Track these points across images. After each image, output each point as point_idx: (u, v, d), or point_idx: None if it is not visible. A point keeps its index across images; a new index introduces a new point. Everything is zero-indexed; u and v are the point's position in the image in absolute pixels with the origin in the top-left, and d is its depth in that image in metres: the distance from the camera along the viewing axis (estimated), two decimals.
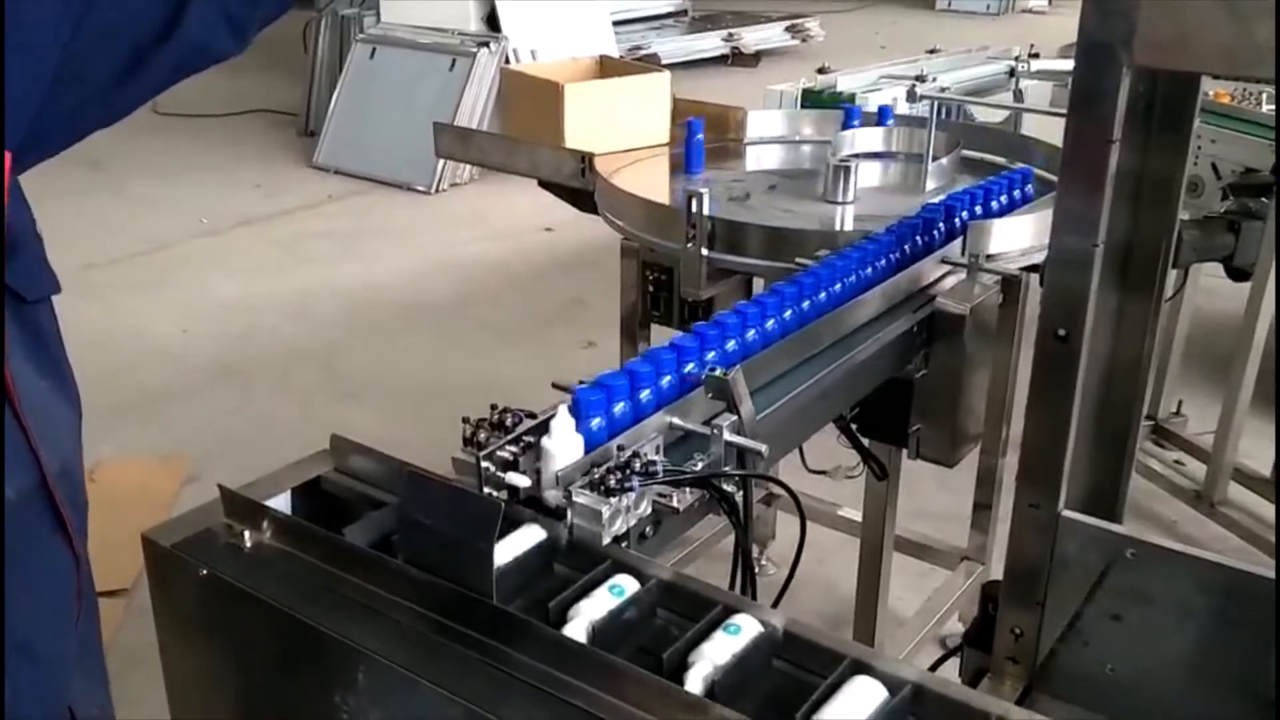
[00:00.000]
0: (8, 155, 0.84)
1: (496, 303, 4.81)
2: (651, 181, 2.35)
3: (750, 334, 1.40)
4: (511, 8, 6.74)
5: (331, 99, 7.04)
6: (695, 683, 0.95)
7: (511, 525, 1.12)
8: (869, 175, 2.26)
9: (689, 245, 1.92)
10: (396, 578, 1.09)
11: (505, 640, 1.02)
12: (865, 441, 1.91)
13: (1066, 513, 1.53)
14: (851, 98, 3.40)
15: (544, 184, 2.44)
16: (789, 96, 3.57)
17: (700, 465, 1.24)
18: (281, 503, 1.29)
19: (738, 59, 9.73)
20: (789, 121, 2.66)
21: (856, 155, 2.57)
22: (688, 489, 1.20)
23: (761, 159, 2.64)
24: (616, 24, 8.14)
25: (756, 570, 3.05)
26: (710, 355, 1.33)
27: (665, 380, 1.27)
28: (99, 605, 1.14)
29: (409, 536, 1.10)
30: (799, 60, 9.50)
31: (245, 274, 5.20)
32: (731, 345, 1.37)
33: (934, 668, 1.88)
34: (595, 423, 1.17)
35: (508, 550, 1.10)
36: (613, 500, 1.11)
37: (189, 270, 5.27)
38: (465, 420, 1.19)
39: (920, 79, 3.47)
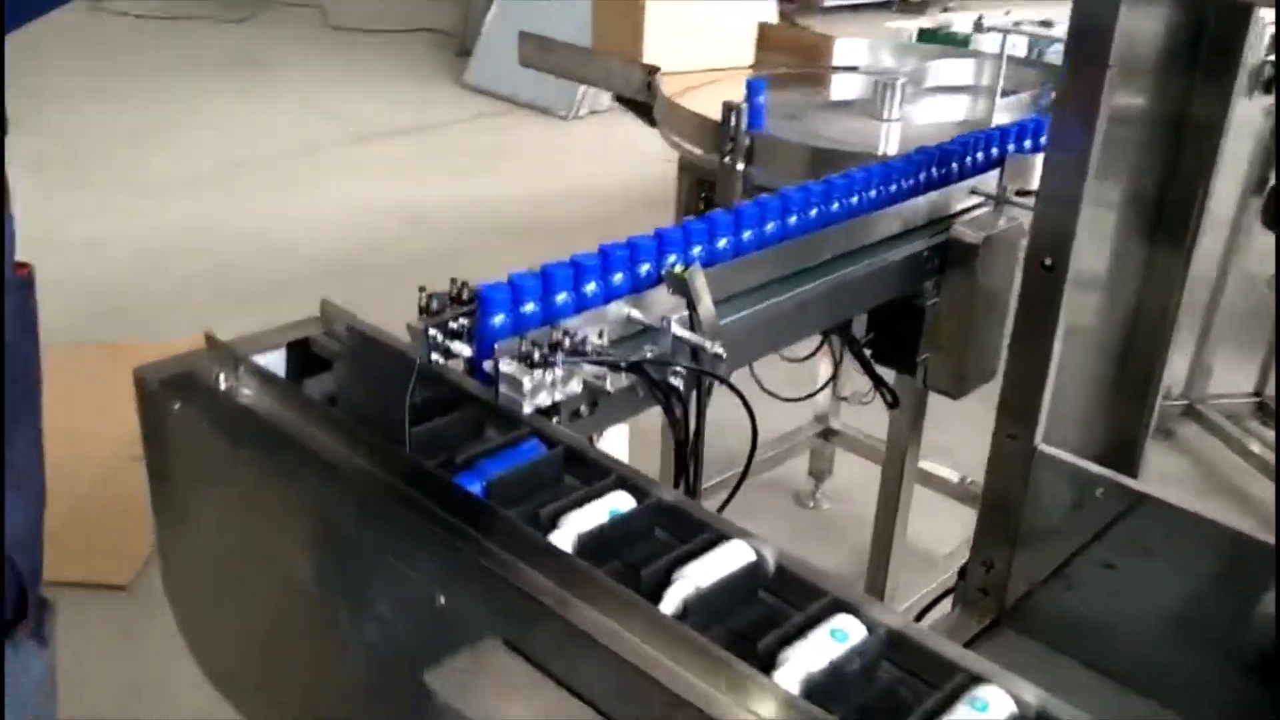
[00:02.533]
0: None
1: (610, 226, 4.89)
2: (716, 100, 2.36)
3: (722, 242, 1.43)
4: None
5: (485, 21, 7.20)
6: (671, 604, 0.94)
7: (435, 385, 1.19)
8: (941, 107, 2.23)
9: (726, 160, 1.94)
10: (334, 426, 1.18)
11: (420, 491, 1.10)
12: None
13: (1043, 446, 1.52)
14: (966, 40, 3.31)
15: (619, 99, 2.48)
16: (905, 34, 3.51)
17: (648, 356, 1.28)
18: (276, 359, 1.40)
19: (904, 4, 9.45)
20: (873, 51, 2.62)
21: (938, 88, 2.54)
22: (623, 374, 1.25)
23: (844, 88, 2.62)
24: None
25: (811, 505, 3.10)
26: (671, 258, 1.37)
27: (617, 277, 1.32)
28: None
29: (348, 388, 1.19)
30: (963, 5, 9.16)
31: (382, 181, 5.43)
32: (698, 250, 1.40)
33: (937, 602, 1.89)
34: (529, 307, 1.23)
35: (445, 415, 1.17)
36: (535, 373, 1.17)
37: (332, 174, 5.53)
38: (421, 289, 1.27)
39: (1046, 23, 3.35)
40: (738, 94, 2.49)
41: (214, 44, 7.98)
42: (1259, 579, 1.43)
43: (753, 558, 0.99)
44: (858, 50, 2.64)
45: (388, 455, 1.12)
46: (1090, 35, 1.32)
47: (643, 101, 2.33)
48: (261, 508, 1.22)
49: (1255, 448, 3.40)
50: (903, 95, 2.30)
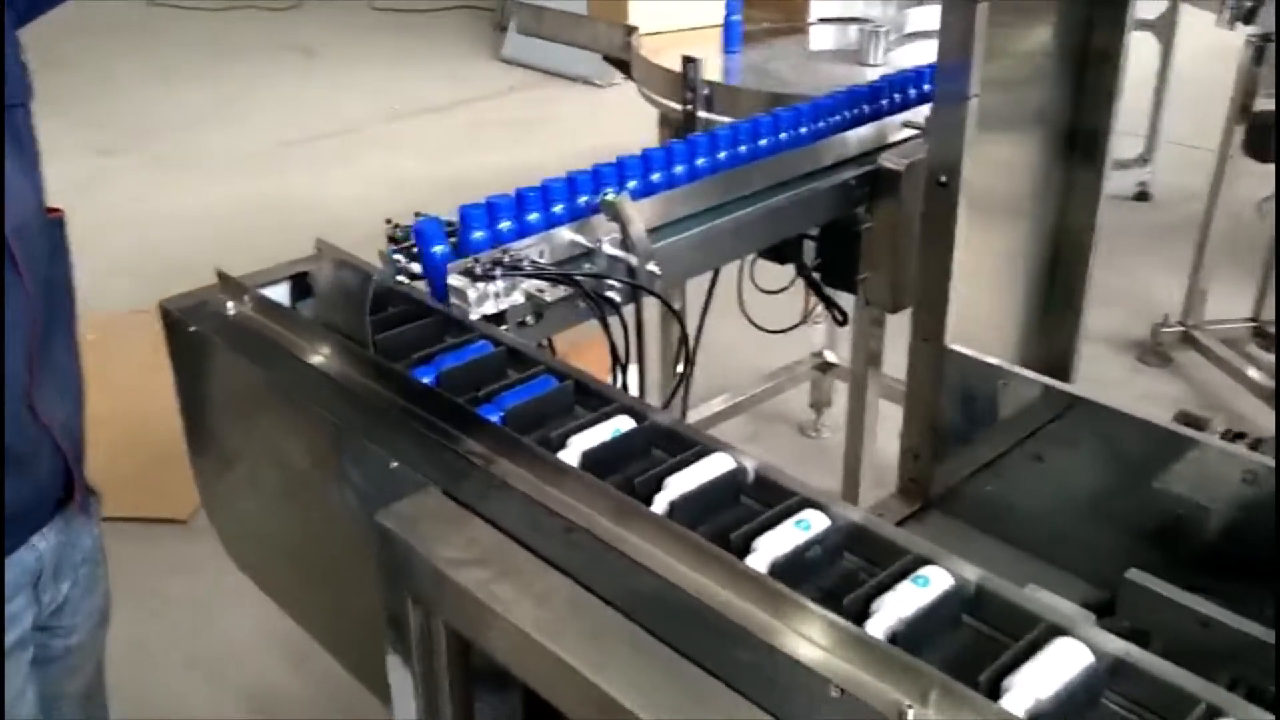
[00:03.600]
0: None
1: None
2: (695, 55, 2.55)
3: (655, 175, 1.64)
4: None
5: None
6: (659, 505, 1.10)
7: (400, 300, 1.43)
8: (924, 51, 2.39)
9: (688, 108, 2.14)
10: (316, 334, 1.42)
11: (380, 383, 1.34)
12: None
13: (952, 345, 1.71)
14: None
15: (609, 59, 2.69)
16: None
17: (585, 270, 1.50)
18: (281, 291, 1.64)
19: None
20: (849, 3, 2.80)
21: (918, 34, 2.70)
22: (560, 286, 1.48)
23: (821, 39, 2.79)
24: None
25: (813, 434, 3.29)
26: (608, 190, 1.58)
27: (558, 207, 1.54)
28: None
29: (325, 305, 1.43)
30: None
31: (423, 155, 5.69)
32: (633, 184, 1.61)
33: None
34: (478, 234, 1.46)
35: (402, 325, 1.41)
36: (479, 285, 1.40)
37: (374, 149, 5.81)
38: (388, 221, 1.50)
39: None
40: (706, 49, 2.70)
41: (264, 31, 8.30)
42: (1159, 459, 1.59)
43: (733, 466, 1.14)
44: (834, 4, 2.81)
45: (354, 356, 1.35)
46: None
47: (627, 60, 2.54)
48: (260, 405, 1.47)
49: (1253, 373, 3.50)
50: (886, 42, 2.48)
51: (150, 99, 6.60)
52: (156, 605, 2.78)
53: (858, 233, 1.93)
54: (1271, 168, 3.30)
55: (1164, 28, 4.66)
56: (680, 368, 1.90)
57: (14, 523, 1.31)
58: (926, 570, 1.01)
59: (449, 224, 1.50)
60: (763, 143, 1.77)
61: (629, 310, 1.56)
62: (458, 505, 1.17)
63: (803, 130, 1.83)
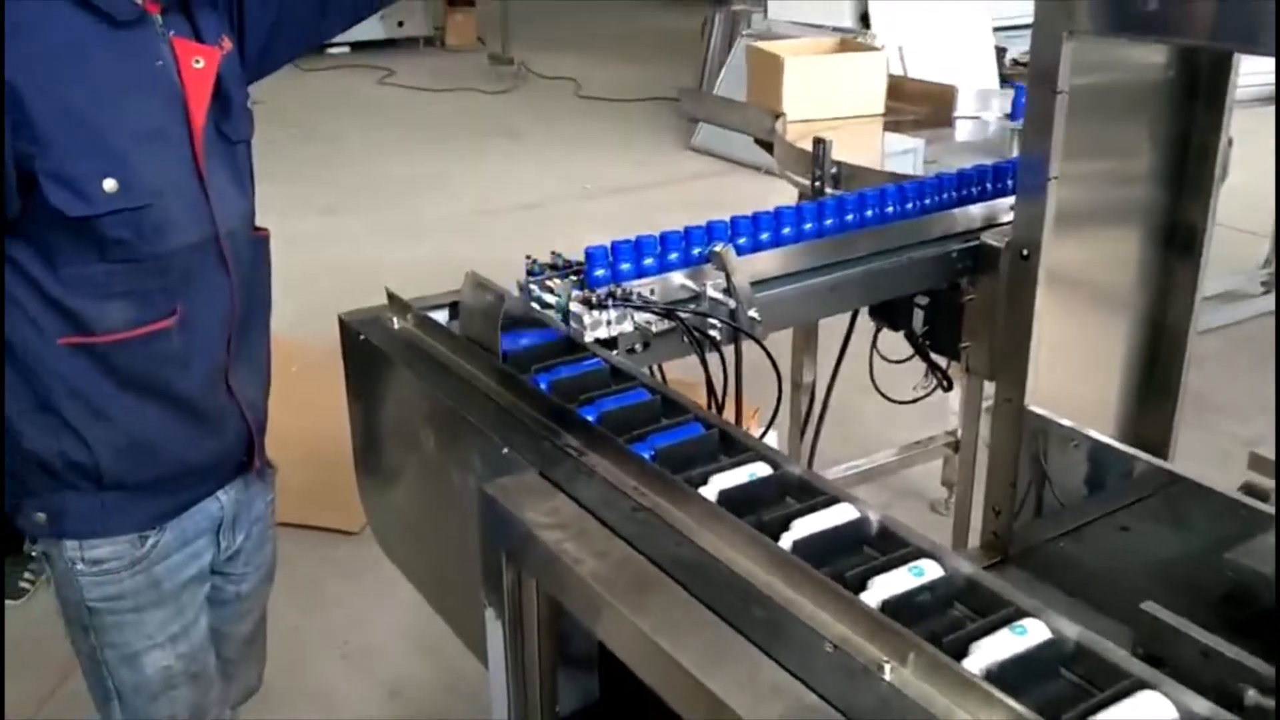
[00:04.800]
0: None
1: None
2: (840, 142, 2.77)
3: (764, 235, 1.86)
4: (883, 6, 7.13)
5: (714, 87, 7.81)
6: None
7: (528, 322, 1.69)
8: None
9: (816, 184, 2.36)
10: (458, 343, 1.69)
11: (504, 386, 1.60)
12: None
13: (1031, 406, 1.84)
14: None
15: (758, 141, 2.94)
16: None
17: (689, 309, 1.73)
18: (440, 315, 1.94)
19: None
20: (984, 98, 2.96)
21: None
22: (666, 320, 1.71)
23: (968, 131, 2.97)
24: (1002, 29, 8.19)
25: (945, 512, 3.37)
26: (717, 243, 1.80)
27: (673, 255, 1.77)
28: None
29: (468, 321, 1.70)
30: None
31: (604, 229, 6.04)
32: (743, 240, 1.84)
33: None
34: (600, 271, 1.71)
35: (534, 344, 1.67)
36: (595, 312, 1.65)
37: (560, 222, 6.23)
38: (527, 257, 1.77)
39: None
40: (854, 138, 2.91)
41: (479, 112, 9.00)
42: (1238, 534, 1.67)
43: (856, 516, 1.26)
44: (973, 99, 2.99)
45: (486, 363, 1.62)
46: (1043, 68, 1.67)
47: (770, 141, 2.78)
48: (409, 403, 1.74)
49: None
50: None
51: (374, 168, 7.29)
52: (318, 604, 3.11)
53: (962, 304, 2.09)
54: None
55: None
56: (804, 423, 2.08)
57: (206, 474, 1.62)
58: (1025, 621, 1.08)
59: (579, 263, 1.77)
60: (870, 213, 1.97)
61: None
62: (549, 483, 1.40)
63: (909, 205, 2.01)
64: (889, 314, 2.23)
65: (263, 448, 1.72)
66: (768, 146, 2.88)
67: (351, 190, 6.77)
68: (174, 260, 1.45)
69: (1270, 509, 1.55)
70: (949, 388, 2.29)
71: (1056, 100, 1.68)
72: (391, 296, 1.88)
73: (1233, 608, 1.63)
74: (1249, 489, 1.66)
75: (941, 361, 2.32)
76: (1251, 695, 1.23)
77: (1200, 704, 0.97)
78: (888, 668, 1.05)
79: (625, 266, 1.74)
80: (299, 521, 3.28)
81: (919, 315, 2.18)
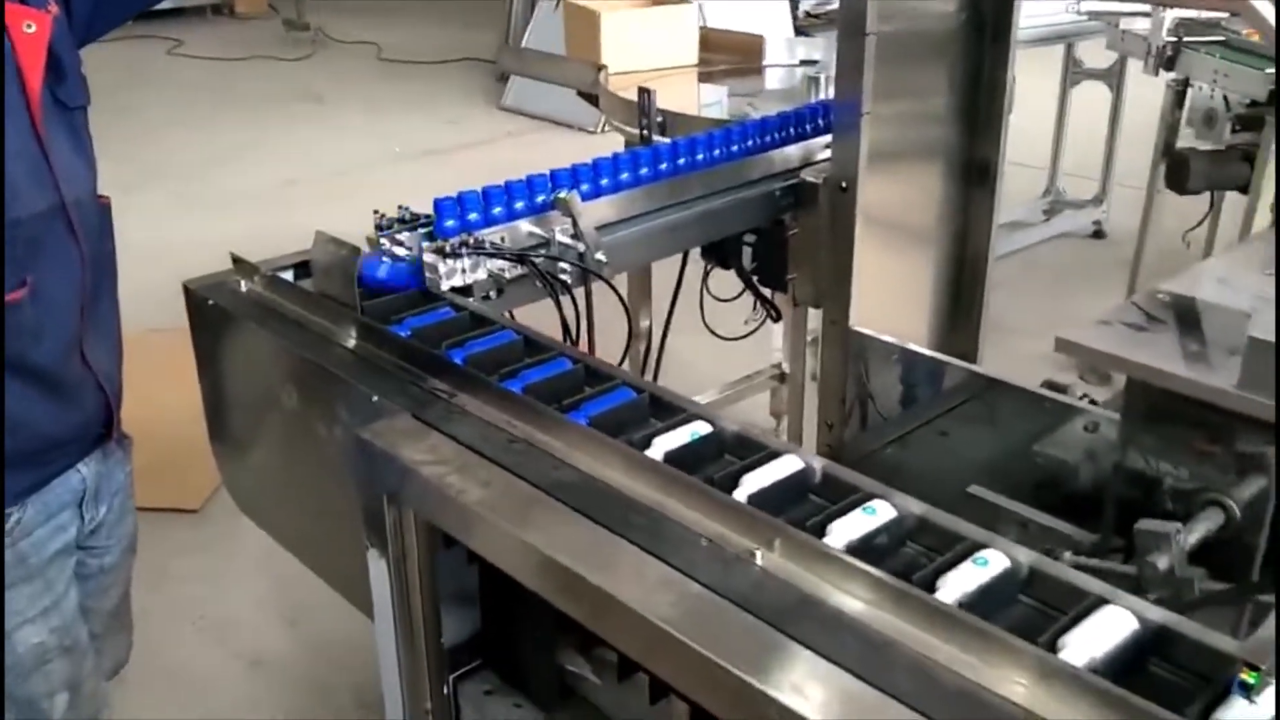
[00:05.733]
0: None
1: None
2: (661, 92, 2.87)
3: (604, 181, 1.94)
4: None
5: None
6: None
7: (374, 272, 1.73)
8: None
9: (643, 133, 2.46)
10: (313, 301, 1.72)
11: (365, 337, 1.64)
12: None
13: (855, 326, 2.00)
14: None
15: (581, 95, 3.02)
16: None
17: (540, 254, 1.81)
18: (286, 275, 1.94)
19: None
20: (790, 47, 3.13)
21: None
22: (518, 266, 1.78)
23: (777, 79, 3.13)
24: None
25: None
26: (562, 190, 1.88)
27: (519, 204, 1.84)
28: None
29: (320, 275, 1.73)
30: None
31: (419, 193, 6.00)
32: (585, 187, 1.92)
33: None
34: (449, 222, 1.76)
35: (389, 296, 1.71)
36: (448, 262, 1.70)
37: (373, 189, 6.14)
38: (375, 211, 1.81)
39: None
40: (672, 88, 3.02)
41: (279, 79, 8.71)
42: (1045, 428, 1.86)
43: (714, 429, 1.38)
44: (782, 48, 3.15)
45: (344, 316, 1.65)
46: (851, 11, 1.82)
47: (592, 93, 2.86)
48: (264, 362, 1.76)
49: None
50: (825, 82, 2.80)
51: (170, 140, 6.98)
52: (165, 582, 3.05)
53: (786, 239, 2.24)
54: (1191, 200, 3.63)
55: (1113, 78, 5.01)
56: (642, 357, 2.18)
57: (65, 446, 1.60)
58: (985, 553, 1.14)
59: (427, 217, 1.82)
60: (700, 157, 2.08)
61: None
62: (424, 424, 1.46)
63: (734, 148, 2.14)
64: (720, 253, 2.36)
65: (119, 419, 1.71)
66: (591, 100, 2.96)
67: (152, 166, 6.48)
68: (20, 230, 1.43)
69: (1073, 400, 1.75)
70: (778, 318, 2.44)
71: (866, 41, 1.82)
72: (237, 260, 1.88)
73: (1044, 492, 1.83)
74: (1050, 385, 1.86)
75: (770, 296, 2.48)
76: (1067, 556, 1.41)
77: (1025, 554, 1.13)
78: (758, 554, 1.17)
79: (473, 216, 1.80)
80: (137, 504, 3.20)
81: (747, 252, 2.32)
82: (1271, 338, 1.16)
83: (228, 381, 1.89)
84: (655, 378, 2.82)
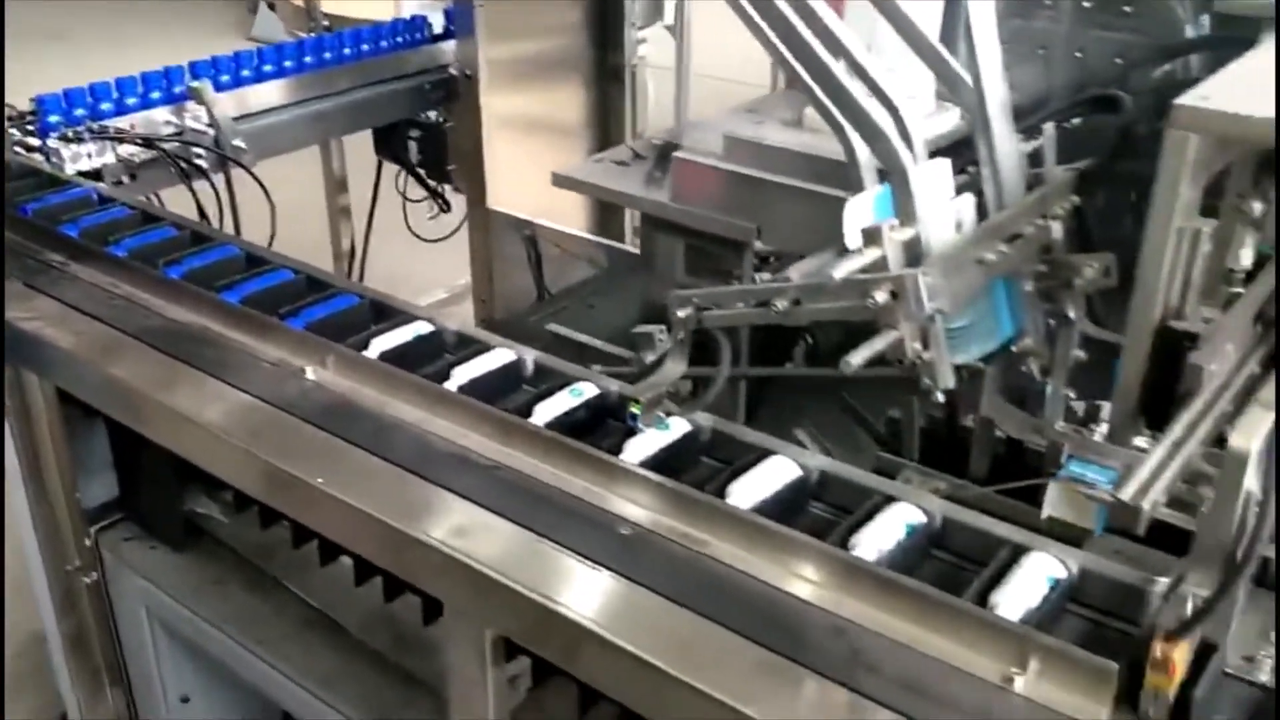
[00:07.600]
0: None
1: None
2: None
3: (246, 72, 2.05)
4: None
5: None
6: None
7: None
8: None
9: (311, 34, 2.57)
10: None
11: None
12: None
13: (492, 205, 2.19)
14: None
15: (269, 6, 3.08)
16: None
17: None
18: None
19: None
20: None
21: None
22: (149, 150, 1.88)
23: None
24: None
25: None
26: (195, 81, 1.98)
27: (155, 94, 1.94)
28: None
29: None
30: None
31: None
32: (227, 78, 2.03)
33: None
34: (79, 111, 1.85)
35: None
36: (72, 147, 1.80)
37: None
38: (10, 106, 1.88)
39: None
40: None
41: (16, 18, 8.24)
42: None
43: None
44: None
45: None
46: None
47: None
48: None
49: None
50: None
51: None
52: None
53: (445, 132, 2.40)
54: None
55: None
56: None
57: None
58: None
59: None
60: (347, 51, 2.21)
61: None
62: (33, 290, 1.56)
63: (383, 44, 2.28)
64: (390, 148, 2.50)
65: None
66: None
67: None
68: None
69: None
70: (448, 209, 2.60)
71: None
72: None
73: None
74: None
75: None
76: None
77: (613, 383, 1.34)
78: (309, 370, 1.34)
79: (106, 106, 1.89)
80: None
81: (413, 147, 2.47)
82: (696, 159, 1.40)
83: None
84: (361, 279, 2.95)
